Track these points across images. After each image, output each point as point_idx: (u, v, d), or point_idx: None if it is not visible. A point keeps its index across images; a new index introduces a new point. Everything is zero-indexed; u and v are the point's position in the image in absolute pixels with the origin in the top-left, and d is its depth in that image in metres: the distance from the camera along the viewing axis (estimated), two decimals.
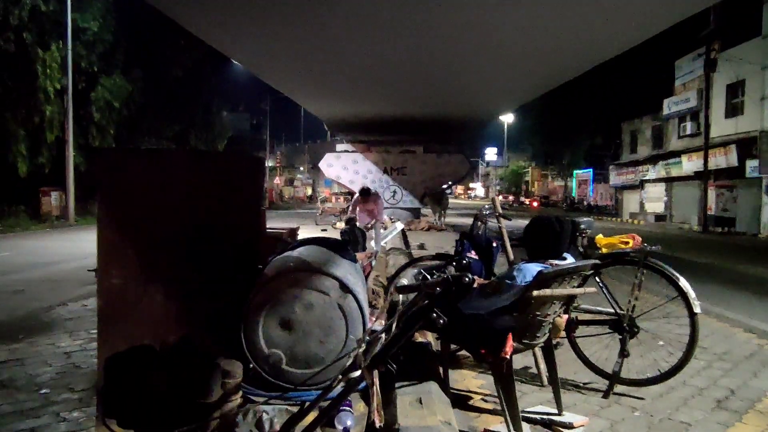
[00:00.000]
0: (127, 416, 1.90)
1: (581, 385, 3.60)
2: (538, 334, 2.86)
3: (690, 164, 24.81)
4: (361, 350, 1.52)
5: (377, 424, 2.00)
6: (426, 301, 1.55)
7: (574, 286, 2.84)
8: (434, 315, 1.48)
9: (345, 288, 2.75)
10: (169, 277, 2.84)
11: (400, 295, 2.35)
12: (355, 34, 10.08)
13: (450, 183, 22.80)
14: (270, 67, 13.39)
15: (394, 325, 1.70)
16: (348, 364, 1.70)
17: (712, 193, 22.78)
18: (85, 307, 5.63)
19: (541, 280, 2.57)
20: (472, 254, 3.71)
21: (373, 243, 7.43)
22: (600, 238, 3.66)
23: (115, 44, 21.99)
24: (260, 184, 3.05)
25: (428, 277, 1.66)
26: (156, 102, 24.88)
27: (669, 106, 27.60)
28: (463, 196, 74.28)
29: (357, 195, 9.73)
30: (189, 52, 25.21)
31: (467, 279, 1.55)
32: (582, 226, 3.53)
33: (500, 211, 3.92)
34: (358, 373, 1.57)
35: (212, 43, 11.43)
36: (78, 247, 11.42)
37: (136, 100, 23.37)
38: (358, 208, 9.27)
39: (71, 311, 5.57)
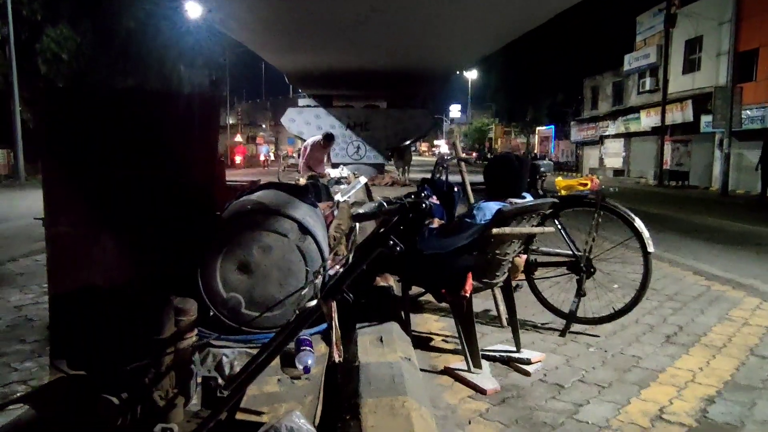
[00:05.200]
0: (78, 357, 1.84)
1: (539, 325, 3.69)
2: (497, 274, 2.89)
3: (648, 120, 25.33)
4: (317, 281, 1.49)
5: (336, 359, 1.99)
6: (382, 230, 1.52)
7: (533, 226, 2.87)
8: (391, 242, 1.45)
9: (304, 230, 2.70)
10: (121, 224, 2.73)
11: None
12: None
13: (414, 138, 22.70)
14: (226, 14, 12.85)
15: (350, 258, 1.67)
16: (306, 300, 1.68)
17: (668, 148, 23.40)
18: (37, 261, 5.43)
19: (500, 218, 2.58)
20: (434, 199, 3.70)
21: (338, 195, 7.39)
22: (559, 181, 3.70)
23: None
24: (214, 124, 2.93)
25: (385, 205, 1.63)
26: (107, 55, 23.63)
27: (630, 62, 27.91)
28: (427, 153, 74.28)
29: (315, 139, 9.63)
30: (141, 2, 23.93)
31: (424, 205, 1.52)
32: (542, 169, 3.55)
33: (461, 155, 3.90)
34: (313, 302, 1.54)
35: None
36: (29, 206, 10.92)
37: (85, 52, 22.15)
38: (306, 157, 9.23)
39: (22, 266, 5.37)
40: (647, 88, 26.45)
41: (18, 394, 2.52)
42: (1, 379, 2.74)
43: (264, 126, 60.63)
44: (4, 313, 3.87)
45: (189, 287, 2.70)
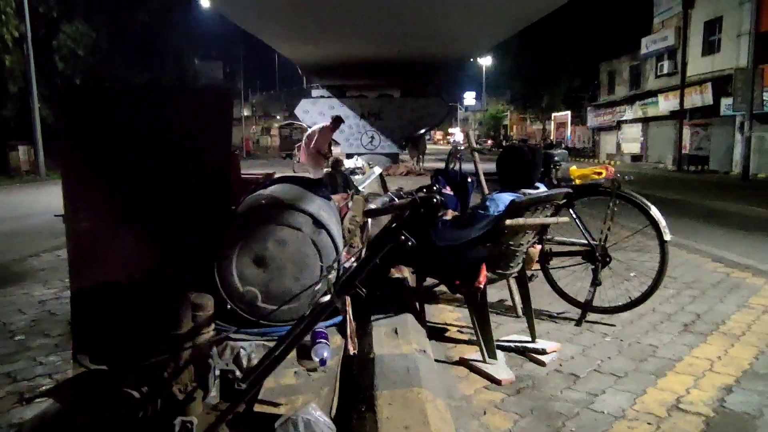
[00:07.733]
0: (99, 352, 1.89)
1: (555, 315, 3.68)
2: (511, 264, 2.89)
3: (666, 104, 24.89)
4: (331, 276, 1.51)
5: (351, 352, 2.02)
6: (394, 224, 1.53)
7: (547, 216, 2.86)
8: (402, 237, 1.46)
9: (318, 223, 2.72)
10: (138, 219, 2.77)
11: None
12: None
13: (428, 127, 22.59)
14: (238, 5, 12.87)
15: (363, 252, 1.68)
16: (321, 294, 1.69)
17: (687, 133, 22.99)
18: (59, 257, 5.54)
19: (514, 209, 2.57)
20: (447, 190, 3.69)
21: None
22: (573, 170, 3.67)
23: None
24: (228, 118, 2.95)
25: (396, 200, 1.63)
26: (123, 50, 23.83)
27: (647, 45, 27.40)
28: (442, 142, 73.84)
29: (323, 125, 9.76)
30: None
31: (435, 200, 1.52)
32: (555, 158, 3.52)
33: (474, 145, 3.88)
34: (327, 297, 1.56)
35: None
36: (50, 201, 11.11)
37: (101, 47, 22.37)
38: (316, 143, 9.36)
39: (44, 261, 5.48)
40: (665, 71, 25.95)
41: (43, 388, 2.59)
42: (27, 372, 2.82)
43: (278, 117, 60.77)
44: (28, 307, 3.97)
45: (206, 282, 2.75)
